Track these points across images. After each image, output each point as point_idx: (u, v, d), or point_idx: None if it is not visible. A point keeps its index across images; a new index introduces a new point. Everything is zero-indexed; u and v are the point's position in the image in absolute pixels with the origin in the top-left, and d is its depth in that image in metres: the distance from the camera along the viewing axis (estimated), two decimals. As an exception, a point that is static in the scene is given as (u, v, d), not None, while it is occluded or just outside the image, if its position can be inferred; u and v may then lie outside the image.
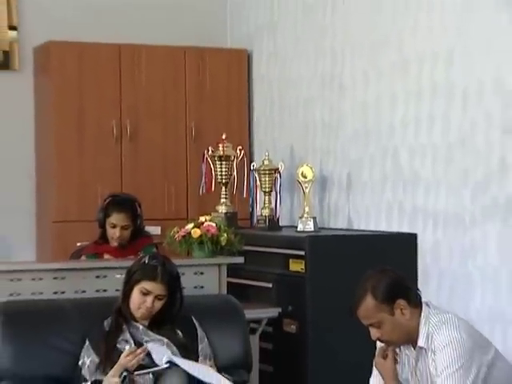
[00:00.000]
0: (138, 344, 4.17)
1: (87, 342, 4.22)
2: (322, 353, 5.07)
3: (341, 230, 5.88)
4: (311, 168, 5.84)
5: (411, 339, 3.70)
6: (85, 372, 4.16)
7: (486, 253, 4.78)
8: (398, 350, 3.74)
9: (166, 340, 4.17)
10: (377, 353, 3.77)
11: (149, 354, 4.13)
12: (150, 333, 4.20)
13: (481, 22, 4.83)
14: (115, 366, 4.08)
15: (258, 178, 6.14)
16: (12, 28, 6.82)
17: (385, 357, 3.74)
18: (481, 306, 4.73)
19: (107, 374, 4.09)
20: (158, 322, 4.22)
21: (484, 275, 4.78)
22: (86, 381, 4.14)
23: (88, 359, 4.18)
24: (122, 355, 4.08)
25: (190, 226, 5.21)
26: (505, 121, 4.67)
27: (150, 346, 4.12)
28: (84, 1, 6.81)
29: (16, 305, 4.59)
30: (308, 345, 5.14)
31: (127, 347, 4.15)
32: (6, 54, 6.81)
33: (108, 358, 4.15)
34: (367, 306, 3.67)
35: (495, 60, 4.74)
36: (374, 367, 3.88)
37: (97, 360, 4.16)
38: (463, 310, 4.39)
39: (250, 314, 4.90)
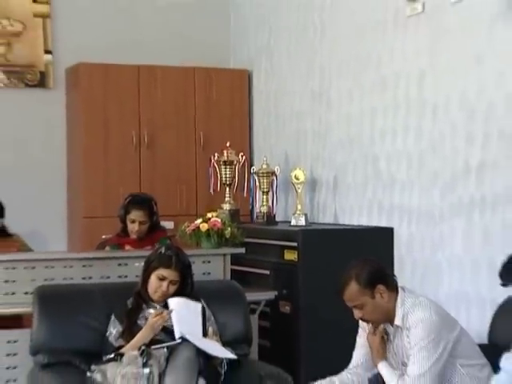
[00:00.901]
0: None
1: (113, 317, 4.28)
2: (312, 330, 5.08)
3: (328, 224, 5.88)
4: (303, 171, 5.84)
5: (389, 319, 3.71)
6: (111, 339, 4.23)
7: (452, 244, 4.78)
8: (389, 331, 3.75)
9: None
10: (368, 330, 3.78)
11: (164, 331, 4.15)
12: (166, 310, 4.20)
13: (448, 47, 4.84)
14: (136, 338, 4.15)
15: (257, 180, 6.14)
16: (47, 52, 6.84)
17: (375, 334, 3.75)
18: (448, 290, 4.73)
19: (128, 341, 4.15)
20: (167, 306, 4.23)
21: (451, 264, 4.79)
22: (112, 346, 4.19)
23: (114, 329, 4.25)
24: (150, 317, 4.17)
25: (199, 221, 5.22)
26: (468, 131, 4.68)
27: (175, 311, 4.13)
28: (108, 28, 6.81)
29: (50, 288, 4.63)
30: (300, 323, 5.15)
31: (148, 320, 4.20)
32: (42, 74, 6.83)
33: (130, 330, 4.21)
34: (351, 290, 3.68)
35: (460, 80, 4.75)
36: (357, 341, 3.90)
37: (120, 329, 4.24)
38: (433, 294, 4.39)
39: (250, 296, 4.91)
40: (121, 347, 4.16)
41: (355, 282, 3.67)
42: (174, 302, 4.18)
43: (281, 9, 6.59)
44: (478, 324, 4.27)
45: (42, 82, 6.85)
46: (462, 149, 4.72)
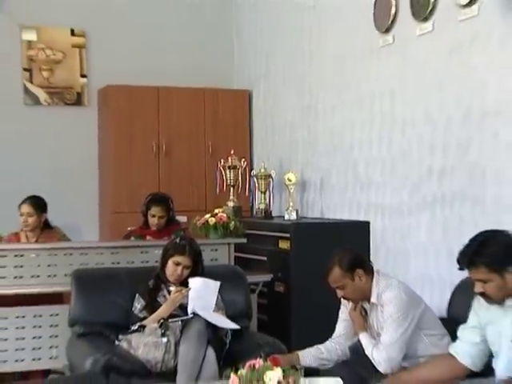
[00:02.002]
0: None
1: (137, 295, 4.29)
2: (302, 306, 5.08)
3: (316, 218, 5.87)
4: (295, 174, 5.87)
5: (366, 297, 3.73)
6: (136, 312, 4.23)
7: (418, 235, 4.79)
8: (366, 307, 3.76)
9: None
10: (349, 307, 3.79)
11: (179, 307, 4.14)
12: (184, 288, 4.20)
13: (414, 72, 4.84)
14: (157, 312, 4.15)
15: (256, 182, 6.15)
16: (82, 76, 6.87)
17: (355, 310, 3.77)
18: (415, 273, 4.74)
19: (150, 315, 4.16)
20: (186, 284, 4.22)
21: (417, 251, 4.80)
22: (137, 317, 4.20)
23: (138, 304, 4.25)
24: (172, 292, 4.19)
25: (208, 216, 5.24)
26: (431, 142, 4.68)
27: (193, 289, 4.13)
28: (132, 56, 6.80)
29: (85, 272, 4.67)
30: (292, 300, 5.15)
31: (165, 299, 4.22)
32: (79, 94, 6.86)
33: (151, 305, 4.22)
34: (335, 273, 3.70)
35: (424, 99, 4.75)
36: (340, 316, 3.92)
37: (143, 304, 4.23)
38: (403, 276, 4.40)
39: (251, 278, 4.92)
40: (144, 318, 4.17)
41: (338, 266, 3.69)
42: (194, 282, 4.18)
43: (276, 39, 6.58)
44: (439, 301, 4.27)
45: (78, 100, 6.86)
46: (426, 156, 4.72)
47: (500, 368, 3.10)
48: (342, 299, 3.82)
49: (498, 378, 3.08)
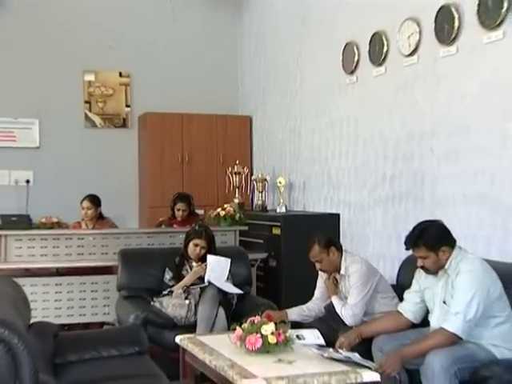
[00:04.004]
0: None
1: (167, 269, 4.28)
2: (289, 277, 5.05)
3: (300, 211, 5.83)
4: (284, 178, 5.84)
5: (337, 269, 3.71)
6: (166, 281, 4.22)
7: (375, 224, 4.77)
8: (337, 277, 3.73)
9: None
10: (325, 277, 3.77)
11: (198, 278, 4.11)
12: (203, 264, 4.18)
13: (372, 103, 4.82)
14: (182, 282, 4.14)
15: (255, 184, 6.10)
16: (127, 106, 6.81)
17: (329, 279, 3.74)
18: (372, 252, 4.72)
19: (176, 283, 4.15)
20: (203, 261, 4.19)
21: (374, 235, 4.78)
22: (167, 285, 4.19)
23: (167, 275, 4.24)
24: (195, 267, 4.16)
25: (219, 209, 5.23)
26: (384, 154, 4.66)
27: (209, 264, 4.08)
28: (163, 91, 6.72)
29: (128, 251, 4.65)
30: (281, 272, 5.12)
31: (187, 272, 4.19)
32: (124, 119, 6.80)
33: (177, 277, 4.21)
34: (315, 250, 3.67)
35: (379, 122, 4.73)
36: (317, 284, 3.89)
37: (171, 275, 4.22)
38: (363, 254, 4.36)
39: (251, 256, 4.90)
40: (172, 286, 4.15)
41: (317, 244, 3.67)
42: (210, 258, 4.14)
43: (270, 78, 6.53)
44: (390, 272, 4.26)
45: (123, 124, 6.81)
46: (380, 165, 4.70)
47: (433, 320, 3.11)
48: (319, 271, 3.79)
49: (432, 327, 3.08)
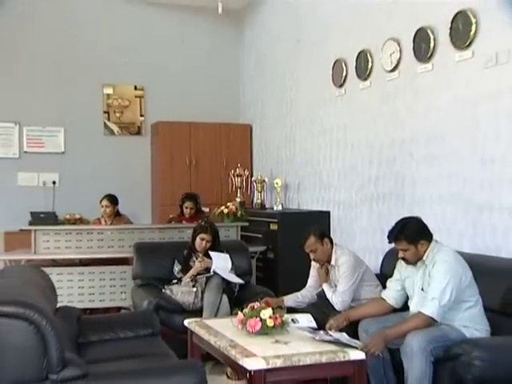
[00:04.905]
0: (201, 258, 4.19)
1: (176, 261, 4.26)
2: (285, 267, 5.05)
3: (294, 209, 5.83)
4: (280, 179, 5.83)
5: (328, 260, 3.69)
6: (175, 273, 4.20)
7: (361, 220, 4.77)
8: (328, 267, 3.73)
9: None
10: (317, 267, 3.76)
11: (205, 269, 4.09)
12: (205, 258, 4.17)
13: (358, 112, 4.82)
14: (189, 273, 4.11)
15: (255, 185, 6.11)
16: (141, 115, 6.81)
17: (322, 268, 3.73)
18: (359, 245, 4.73)
19: (185, 274, 4.14)
20: (207, 255, 4.18)
21: (360, 230, 4.78)
22: (175, 276, 4.18)
23: (177, 267, 4.23)
24: (197, 262, 4.12)
25: (223, 207, 5.23)
26: (369, 159, 4.66)
27: (214, 257, 4.07)
28: (172, 102, 6.72)
29: (142, 244, 4.65)
30: (278, 263, 5.12)
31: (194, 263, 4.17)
32: (139, 127, 6.80)
33: (185, 268, 4.19)
34: (310, 241, 3.66)
35: (365, 130, 4.73)
36: (310, 273, 3.87)
37: (180, 268, 4.20)
38: (351, 247, 4.35)
39: (251, 248, 4.90)
40: (180, 278, 4.14)
41: (313, 235, 3.65)
42: (213, 254, 4.12)
43: (268, 91, 6.53)
44: (374, 263, 4.26)
45: (138, 132, 6.81)
46: (366, 168, 4.70)
47: (412, 305, 3.11)
48: (312, 262, 3.78)
49: (411, 311, 3.09)
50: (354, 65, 4.79)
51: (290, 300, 3.80)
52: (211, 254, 4.12)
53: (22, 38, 6.34)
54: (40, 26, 6.39)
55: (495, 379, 2.62)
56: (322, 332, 2.94)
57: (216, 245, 4.25)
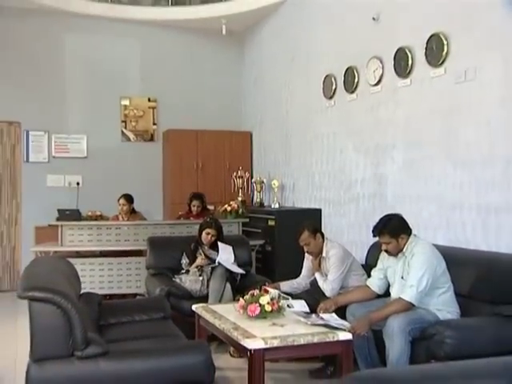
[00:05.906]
0: (205, 255, 4.16)
1: (184, 254, 4.24)
2: (281, 259, 5.04)
3: (290, 207, 5.82)
4: (277, 181, 5.82)
5: (320, 252, 3.68)
6: (183, 265, 4.18)
7: (349, 216, 4.78)
8: (320, 259, 3.71)
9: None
10: (310, 258, 3.75)
11: (210, 259, 4.09)
12: (211, 250, 4.18)
13: (347, 121, 4.83)
14: (195, 264, 4.11)
15: (254, 186, 6.11)
16: (154, 124, 6.78)
17: (315, 260, 3.71)
18: (347, 239, 4.73)
19: (191, 266, 4.12)
20: (213, 246, 4.20)
21: (348, 226, 4.79)
22: (183, 267, 4.16)
23: (185, 261, 4.20)
24: (199, 259, 4.11)
25: (226, 205, 5.23)
26: (357, 162, 4.66)
27: (220, 249, 4.04)
28: (180, 112, 6.68)
29: (155, 238, 4.64)
30: (275, 255, 5.10)
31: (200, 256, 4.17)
32: (152, 135, 6.76)
33: (193, 259, 4.18)
34: (304, 235, 3.65)
35: (352, 137, 4.74)
36: (304, 264, 3.86)
37: (188, 260, 4.19)
38: (340, 240, 4.36)
39: (251, 242, 4.89)
40: (188, 269, 4.13)
41: (306, 230, 3.63)
42: (221, 245, 4.13)
43: (266, 101, 6.52)
44: (361, 254, 4.27)
45: (151, 139, 6.78)
46: (353, 171, 4.71)
47: (393, 292, 3.12)
48: (306, 254, 3.77)
49: (392, 297, 3.09)
50: (342, 79, 4.80)
51: (285, 285, 3.80)
52: (219, 244, 4.12)
53: (55, 61, 6.36)
54: (69, 51, 6.43)
55: (464, 355, 2.63)
56: (314, 316, 2.96)
57: (220, 239, 4.24)
